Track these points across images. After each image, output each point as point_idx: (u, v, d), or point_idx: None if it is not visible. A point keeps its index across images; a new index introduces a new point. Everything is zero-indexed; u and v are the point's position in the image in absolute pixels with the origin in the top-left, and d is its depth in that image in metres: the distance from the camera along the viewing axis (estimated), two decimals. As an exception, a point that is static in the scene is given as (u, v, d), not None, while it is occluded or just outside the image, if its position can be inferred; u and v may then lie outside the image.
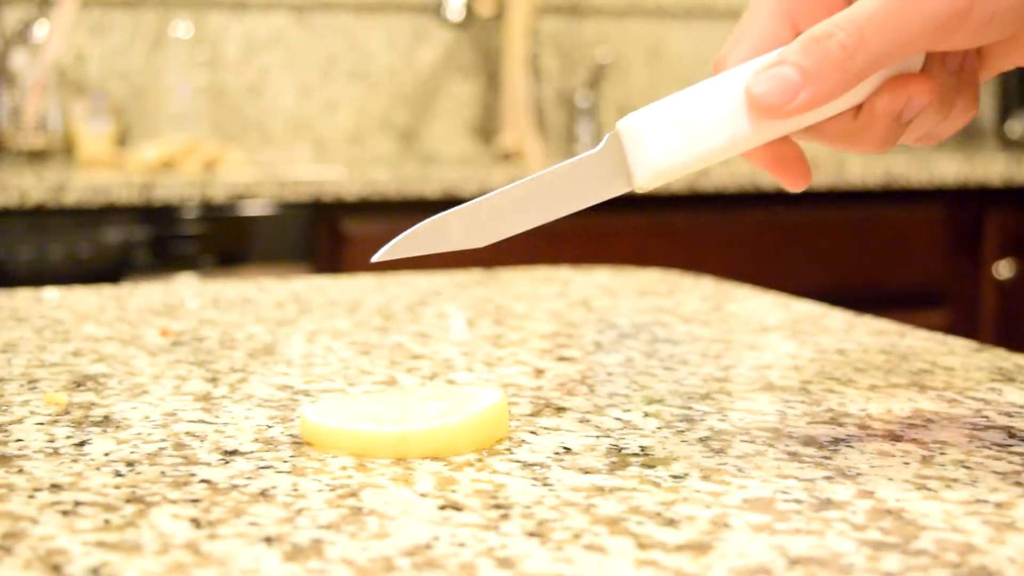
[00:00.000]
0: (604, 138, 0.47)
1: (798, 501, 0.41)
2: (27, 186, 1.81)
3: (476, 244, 0.47)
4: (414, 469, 0.44)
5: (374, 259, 0.49)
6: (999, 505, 0.40)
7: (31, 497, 0.41)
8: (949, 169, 2.22)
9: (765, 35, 0.49)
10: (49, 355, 0.64)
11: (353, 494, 0.41)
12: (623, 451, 0.47)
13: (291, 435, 0.49)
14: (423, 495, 0.41)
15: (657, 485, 0.42)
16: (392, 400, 0.50)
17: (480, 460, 0.45)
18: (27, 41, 2.20)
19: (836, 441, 0.48)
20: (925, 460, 0.45)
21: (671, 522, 0.38)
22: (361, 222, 1.98)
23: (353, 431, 0.46)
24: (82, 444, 0.47)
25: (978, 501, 0.41)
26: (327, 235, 1.97)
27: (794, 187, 0.51)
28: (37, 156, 2.20)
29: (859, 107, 0.48)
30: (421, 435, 0.46)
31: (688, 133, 0.46)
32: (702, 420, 0.51)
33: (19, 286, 0.91)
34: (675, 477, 0.43)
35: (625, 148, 0.47)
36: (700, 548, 0.36)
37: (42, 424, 0.50)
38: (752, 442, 0.48)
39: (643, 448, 0.47)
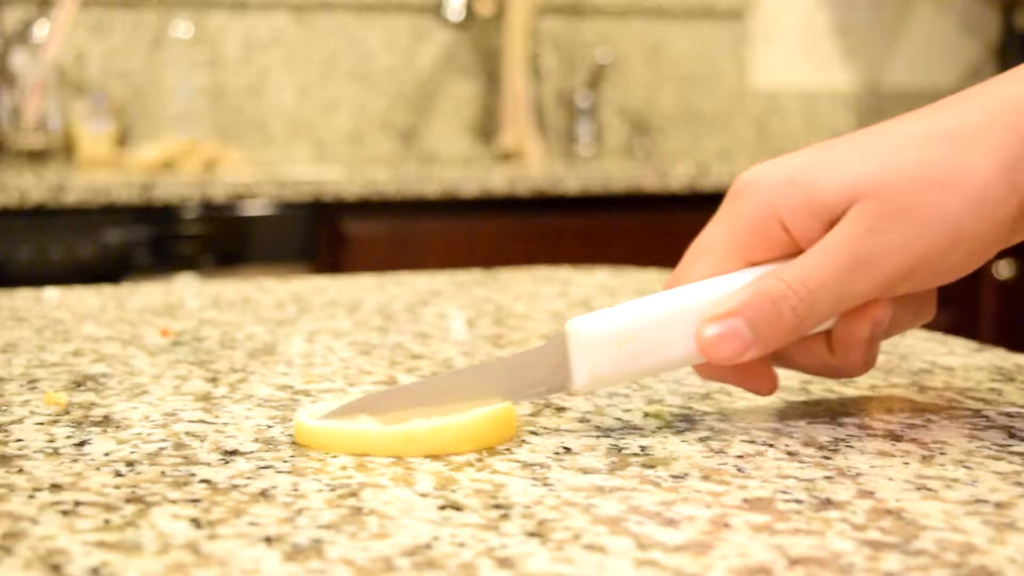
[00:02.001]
0: (551, 336, 0.49)
1: (798, 501, 0.40)
2: (27, 186, 1.81)
3: (395, 425, 0.47)
4: (414, 469, 0.44)
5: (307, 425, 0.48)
6: (999, 505, 0.40)
7: (31, 497, 0.41)
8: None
9: (717, 267, 0.49)
10: (49, 355, 0.64)
11: (353, 494, 0.41)
12: (623, 451, 0.47)
13: (291, 435, 0.49)
14: (423, 495, 0.41)
15: (657, 485, 0.42)
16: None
17: (480, 460, 0.45)
18: (27, 41, 2.20)
19: (836, 441, 0.48)
20: (925, 460, 0.45)
21: (671, 522, 0.38)
22: (361, 222, 1.98)
23: (355, 431, 0.46)
24: (82, 444, 0.47)
25: (978, 501, 0.41)
26: (327, 235, 1.97)
27: (762, 394, 0.51)
28: (37, 156, 2.20)
29: (831, 344, 0.49)
30: (426, 433, 0.46)
31: (633, 348, 0.48)
32: (702, 420, 0.51)
33: (19, 286, 0.91)
34: (675, 477, 0.43)
35: (570, 351, 0.48)
36: (700, 548, 0.36)
37: (42, 424, 0.50)
38: (752, 442, 0.48)
39: (643, 448, 0.47)
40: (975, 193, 0.45)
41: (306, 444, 0.47)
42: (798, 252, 0.48)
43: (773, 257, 0.49)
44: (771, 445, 0.47)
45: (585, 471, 0.44)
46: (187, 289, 0.92)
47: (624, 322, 0.48)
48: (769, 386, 0.51)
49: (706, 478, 0.43)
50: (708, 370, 0.50)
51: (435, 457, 0.46)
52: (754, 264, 0.49)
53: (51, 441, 0.48)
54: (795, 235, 0.48)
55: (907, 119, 0.48)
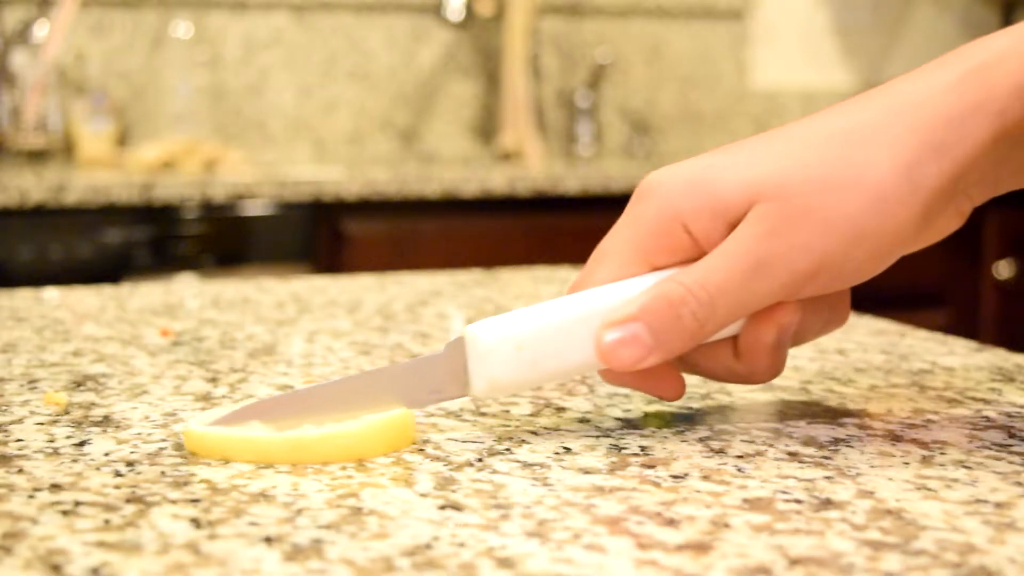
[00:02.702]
0: (447, 342, 0.48)
1: (798, 501, 0.41)
2: (27, 186, 1.81)
3: (290, 430, 0.46)
4: (414, 469, 0.44)
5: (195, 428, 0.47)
6: (999, 505, 0.40)
7: (31, 497, 0.41)
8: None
9: (620, 271, 0.49)
10: (49, 355, 0.64)
11: (353, 494, 0.41)
12: (623, 451, 0.47)
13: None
14: (423, 495, 0.41)
15: (657, 485, 0.42)
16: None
17: (480, 460, 0.45)
18: (27, 41, 2.20)
19: (836, 441, 0.48)
20: (925, 460, 0.45)
21: (671, 522, 0.38)
22: (361, 222, 1.98)
23: (244, 437, 0.45)
24: (82, 444, 0.47)
25: (978, 501, 0.41)
26: (327, 235, 1.97)
27: (668, 399, 0.50)
28: (37, 156, 2.20)
29: (737, 349, 0.48)
30: (316, 440, 0.45)
31: (532, 354, 0.47)
32: (702, 420, 0.51)
33: (19, 286, 0.91)
34: (675, 477, 0.43)
35: (467, 356, 0.47)
36: (700, 548, 0.36)
37: (42, 424, 0.50)
38: (752, 442, 0.48)
39: (643, 448, 0.47)
40: (875, 192, 0.45)
41: (196, 451, 0.46)
42: (702, 255, 0.47)
43: (677, 261, 0.48)
44: (771, 445, 0.47)
45: (585, 471, 0.44)
46: (187, 289, 0.92)
47: (522, 327, 0.47)
48: (675, 391, 0.50)
49: (706, 478, 0.43)
50: (612, 375, 0.49)
51: (434, 458, 0.46)
52: (657, 268, 0.49)
53: (51, 441, 0.48)
54: (698, 237, 0.47)
55: (810, 120, 0.48)
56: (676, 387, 0.50)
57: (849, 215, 0.45)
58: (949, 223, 0.49)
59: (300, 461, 0.44)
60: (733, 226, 0.47)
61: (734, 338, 0.49)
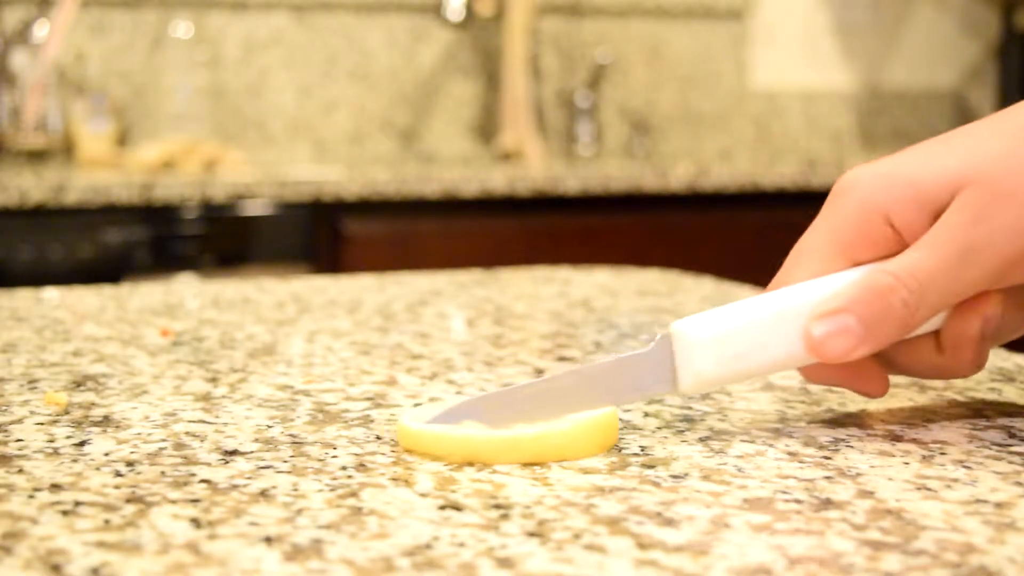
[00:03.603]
0: (655, 337, 0.48)
1: (798, 501, 0.40)
2: (27, 186, 1.81)
3: (496, 426, 0.46)
4: (414, 469, 0.44)
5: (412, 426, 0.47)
6: (999, 505, 0.40)
7: (31, 497, 0.41)
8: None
9: (821, 268, 0.49)
10: (49, 355, 0.64)
11: (353, 494, 0.41)
12: (623, 451, 0.47)
13: (291, 435, 0.49)
14: (423, 495, 0.41)
15: (657, 485, 0.42)
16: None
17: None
18: (27, 41, 2.20)
19: (836, 441, 0.48)
20: (925, 460, 0.45)
21: (671, 522, 0.38)
22: (361, 222, 1.98)
23: (461, 436, 0.45)
24: (82, 444, 0.47)
25: (978, 501, 0.41)
26: (327, 235, 1.97)
27: (874, 395, 0.50)
28: (37, 156, 2.20)
29: (940, 343, 0.48)
30: (532, 440, 0.45)
31: (737, 349, 0.47)
32: (702, 420, 0.51)
33: (19, 286, 0.91)
34: (675, 477, 0.43)
35: (675, 353, 0.48)
36: (700, 548, 0.36)
37: (42, 424, 0.50)
38: (752, 442, 0.48)
39: (643, 448, 0.47)
40: None
41: (410, 448, 0.46)
42: (904, 248, 0.47)
43: (878, 255, 0.48)
44: (771, 445, 0.47)
45: (585, 471, 0.44)
46: (187, 289, 0.92)
47: (728, 323, 0.47)
48: (880, 387, 0.50)
49: (706, 478, 0.43)
50: (816, 372, 0.49)
51: (435, 457, 0.46)
52: (858, 264, 0.48)
53: (51, 441, 0.48)
54: (900, 229, 0.47)
55: (1006, 112, 0.48)
56: (881, 383, 0.50)
57: None
58: None
59: (514, 461, 0.44)
60: (937, 216, 0.46)
61: (936, 333, 0.49)
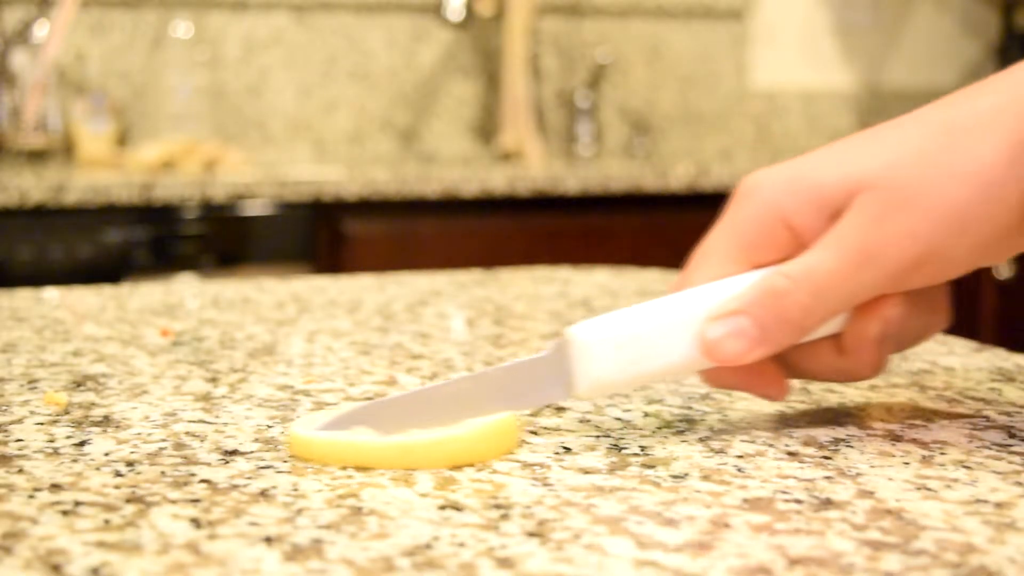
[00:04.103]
0: (551, 343, 0.48)
1: (798, 501, 0.40)
2: (27, 186, 1.81)
3: (392, 435, 0.45)
4: (414, 469, 0.44)
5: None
6: (999, 505, 0.40)
7: (31, 497, 0.41)
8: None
9: (722, 270, 0.48)
10: (49, 355, 0.64)
11: (353, 494, 0.41)
12: (623, 451, 0.47)
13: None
14: (423, 495, 0.41)
15: (657, 485, 0.42)
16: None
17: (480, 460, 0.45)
18: (27, 41, 2.20)
19: (836, 441, 0.48)
20: (925, 460, 0.45)
21: (671, 522, 0.38)
22: (361, 222, 1.98)
23: (352, 443, 0.45)
24: (82, 444, 0.47)
25: (978, 501, 0.41)
26: (327, 235, 1.97)
27: (773, 399, 0.50)
28: (37, 156, 2.20)
29: (841, 346, 0.48)
30: (425, 446, 0.44)
31: (633, 353, 0.47)
32: (702, 420, 0.51)
33: (19, 286, 0.91)
34: (675, 477, 0.43)
35: (572, 357, 0.47)
36: (700, 548, 0.36)
37: (42, 424, 0.50)
38: (752, 442, 0.48)
39: (643, 448, 0.47)
40: (981, 179, 0.45)
41: (301, 456, 0.45)
42: (803, 252, 0.47)
43: (780, 258, 0.48)
44: (771, 445, 0.47)
45: (585, 471, 0.44)
46: (187, 289, 0.92)
47: (625, 326, 0.47)
48: (780, 390, 0.49)
49: (706, 478, 0.43)
50: (715, 375, 0.49)
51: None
52: (760, 266, 0.48)
53: (51, 441, 0.48)
54: (801, 232, 0.47)
55: (913, 114, 0.48)
56: (781, 387, 0.49)
57: (954, 201, 0.45)
58: None
59: (408, 467, 0.44)
60: (836, 219, 0.46)
61: (836, 336, 0.48)
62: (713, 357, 0.47)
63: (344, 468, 0.44)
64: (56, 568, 0.34)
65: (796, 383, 0.58)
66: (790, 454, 0.46)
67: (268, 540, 0.37)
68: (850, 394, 0.56)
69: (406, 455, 0.44)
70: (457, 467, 0.44)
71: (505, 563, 0.35)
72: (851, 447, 0.47)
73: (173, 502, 0.40)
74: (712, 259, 0.49)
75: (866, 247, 0.45)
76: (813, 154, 0.48)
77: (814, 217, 0.47)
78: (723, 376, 0.49)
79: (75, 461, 0.45)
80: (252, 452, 0.46)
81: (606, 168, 2.27)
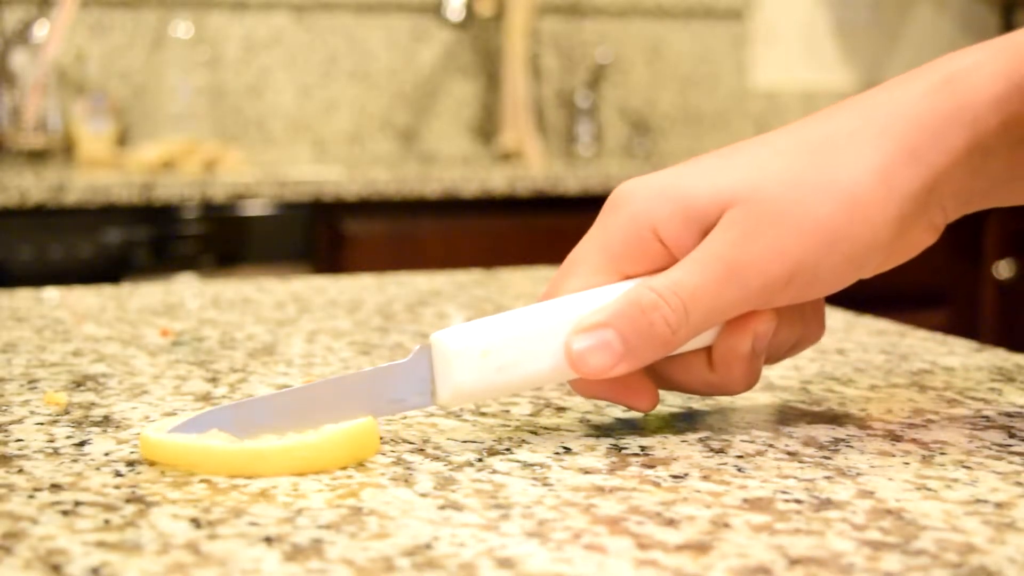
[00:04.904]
0: (414, 349, 0.47)
1: (798, 501, 0.41)
2: (27, 186, 1.81)
3: (244, 437, 0.44)
4: (414, 469, 0.44)
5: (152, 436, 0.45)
6: (999, 505, 0.40)
7: (31, 497, 0.41)
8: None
9: (591, 280, 0.48)
10: (49, 355, 0.64)
11: (353, 494, 0.41)
12: (623, 451, 0.47)
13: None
14: (423, 495, 0.41)
15: (657, 485, 0.42)
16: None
17: (480, 460, 0.45)
18: (27, 41, 2.20)
19: (836, 441, 0.48)
20: (925, 460, 0.45)
21: (671, 522, 0.38)
22: (361, 222, 1.98)
23: (202, 447, 0.43)
24: (82, 444, 0.47)
25: (978, 501, 0.41)
26: (327, 235, 1.97)
27: (641, 410, 0.50)
28: (37, 156, 2.20)
29: (711, 360, 0.48)
30: (278, 451, 0.43)
31: (498, 361, 0.46)
32: (702, 420, 0.51)
33: (19, 286, 0.91)
34: (675, 477, 0.43)
35: (434, 364, 0.47)
36: (700, 548, 0.36)
37: (42, 424, 0.50)
38: (752, 442, 0.48)
39: (643, 448, 0.47)
40: (849, 195, 0.45)
41: (152, 459, 0.44)
42: (672, 264, 0.47)
43: (648, 269, 0.47)
44: (771, 445, 0.47)
45: (585, 471, 0.44)
46: (187, 289, 0.92)
47: (489, 334, 0.46)
48: (648, 402, 0.49)
49: (706, 478, 0.43)
50: (583, 386, 0.48)
51: (434, 458, 0.46)
52: (629, 277, 0.48)
53: (51, 441, 0.48)
54: (669, 245, 0.47)
55: (784, 129, 0.48)
56: (649, 398, 0.49)
57: (823, 218, 0.45)
58: (923, 236, 0.48)
59: (258, 474, 0.43)
60: (705, 233, 0.46)
61: (707, 349, 0.48)
62: (578, 370, 0.46)
63: (344, 468, 0.44)
64: (56, 568, 0.34)
65: (796, 383, 0.58)
66: (790, 454, 0.46)
67: (268, 540, 0.37)
68: (850, 394, 0.56)
69: (255, 461, 0.43)
70: (314, 473, 0.43)
71: (505, 563, 0.35)
72: (851, 447, 0.47)
73: (173, 502, 0.40)
74: (582, 268, 0.48)
75: (734, 263, 0.45)
76: (685, 165, 0.48)
77: (684, 230, 0.46)
78: (590, 387, 0.48)
79: (75, 461, 0.45)
80: (252, 452, 0.46)
81: (606, 168, 2.27)
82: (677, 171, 0.48)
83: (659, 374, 0.49)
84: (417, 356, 0.47)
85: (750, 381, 0.48)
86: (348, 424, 0.45)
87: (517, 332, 0.46)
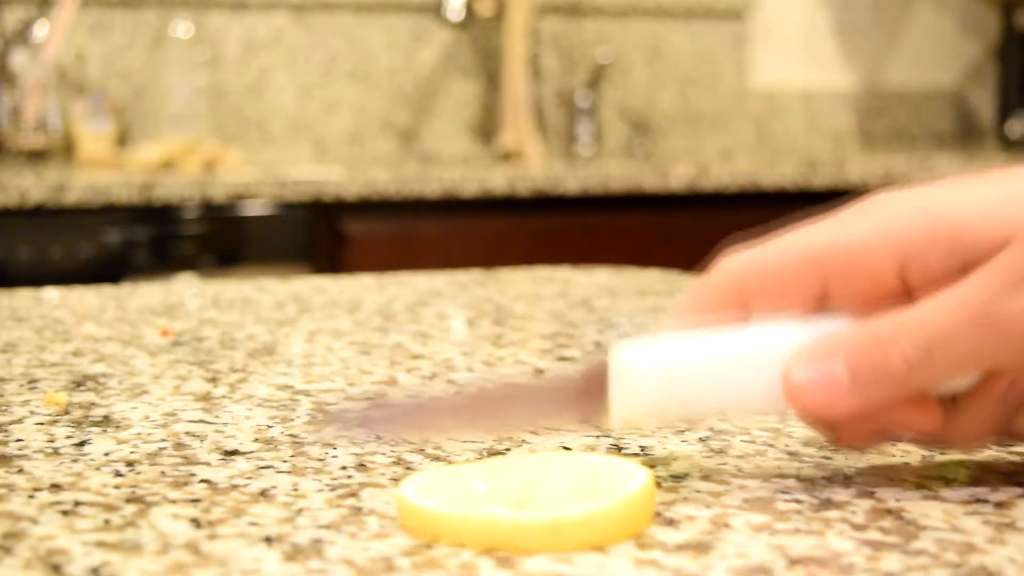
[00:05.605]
0: (589, 361, 0.43)
1: (798, 501, 0.40)
2: (27, 186, 1.81)
3: (414, 440, 0.42)
4: (414, 469, 0.44)
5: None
6: (999, 505, 0.40)
7: (31, 497, 0.41)
8: (949, 169, 2.22)
9: (788, 281, 0.42)
10: (49, 355, 0.64)
11: (353, 494, 0.41)
12: (623, 451, 0.47)
13: (291, 435, 0.49)
14: (423, 495, 0.41)
15: (657, 485, 0.42)
16: (502, 472, 0.40)
17: (480, 460, 0.45)
18: (27, 41, 2.20)
19: (836, 441, 0.48)
20: (925, 460, 0.45)
21: (671, 522, 0.38)
22: (361, 222, 1.98)
23: (489, 518, 0.36)
24: (82, 444, 0.47)
25: (978, 501, 0.41)
26: (327, 235, 1.97)
27: (858, 451, 0.44)
28: (37, 156, 2.20)
29: (947, 407, 0.41)
30: (576, 521, 0.36)
31: (685, 388, 0.41)
32: (702, 420, 0.51)
33: (19, 286, 0.90)
34: (675, 477, 0.43)
35: (611, 383, 0.42)
36: (700, 548, 0.36)
37: (42, 424, 0.50)
38: (752, 442, 0.48)
39: (643, 448, 0.47)
40: None
41: (412, 528, 0.37)
42: (889, 300, 0.40)
43: (849, 296, 0.41)
44: (771, 445, 0.47)
45: (585, 471, 0.44)
46: (187, 289, 0.92)
47: (679, 356, 0.41)
48: (868, 442, 0.43)
49: (706, 478, 0.43)
50: (849, 434, 0.42)
51: (434, 458, 0.45)
52: (823, 303, 0.41)
53: (51, 441, 0.48)
54: (915, 271, 0.40)
55: None
56: (870, 438, 0.42)
57: None
58: None
59: (553, 550, 0.36)
60: (965, 269, 0.39)
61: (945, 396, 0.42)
62: (796, 403, 0.40)
63: (344, 468, 0.44)
64: (56, 568, 0.34)
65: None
66: (790, 454, 0.46)
67: (268, 540, 0.37)
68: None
69: (553, 535, 0.36)
70: (603, 546, 0.36)
71: (505, 563, 0.35)
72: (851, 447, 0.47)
73: (173, 502, 0.40)
74: (778, 271, 0.42)
75: (995, 313, 0.39)
76: (949, 185, 0.41)
77: (944, 260, 0.40)
78: (855, 432, 0.42)
79: (75, 461, 0.45)
80: (252, 452, 0.46)
81: (606, 168, 2.27)
82: (942, 191, 0.41)
83: (875, 415, 0.42)
84: (593, 371, 0.42)
85: (986, 437, 0.42)
86: (635, 487, 0.38)
87: (711, 356, 0.41)
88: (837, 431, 0.42)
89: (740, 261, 0.43)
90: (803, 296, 0.41)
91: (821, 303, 0.42)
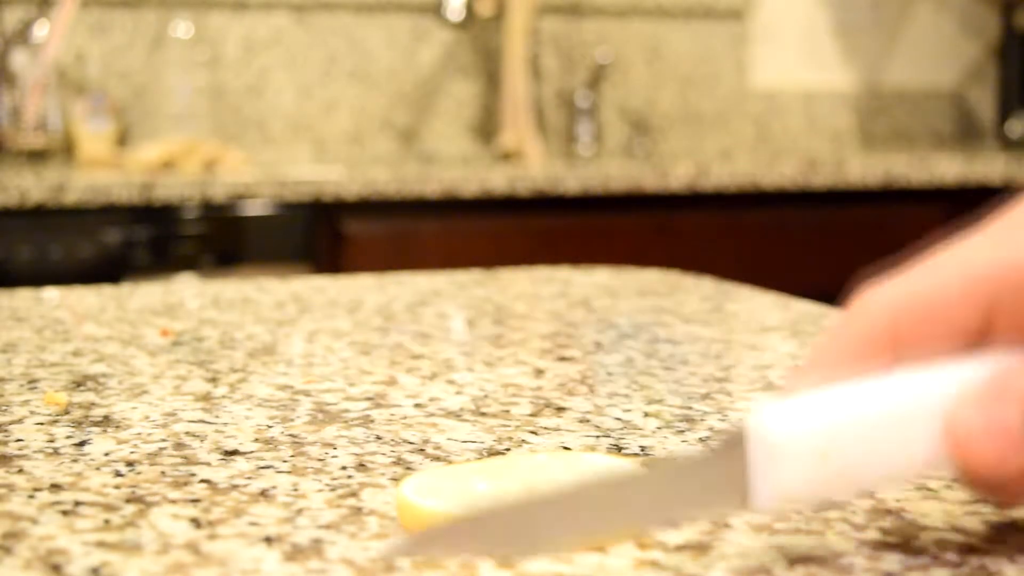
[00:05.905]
0: (722, 437, 0.35)
1: (798, 501, 0.40)
2: (27, 186, 1.81)
3: (528, 553, 0.35)
4: (414, 469, 0.44)
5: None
6: (999, 505, 0.40)
7: (31, 497, 0.41)
8: (949, 169, 2.22)
9: (952, 318, 0.35)
10: (49, 355, 0.64)
11: (353, 494, 0.41)
12: (623, 451, 0.47)
13: (291, 435, 0.49)
14: (423, 495, 0.41)
15: (657, 485, 0.42)
16: (503, 473, 0.39)
17: (479, 459, 0.45)
18: (27, 41, 2.20)
19: (836, 441, 0.48)
20: (925, 460, 0.45)
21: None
22: (361, 222, 1.98)
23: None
24: (82, 444, 0.47)
25: (978, 501, 0.41)
26: (327, 235, 1.97)
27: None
28: (37, 156, 2.20)
29: None
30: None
31: (842, 462, 0.34)
32: (702, 420, 0.51)
33: (19, 286, 0.90)
34: (675, 477, 0.43)
35: (748, 459, 0.34)
36: (700, 548, 0.36)
37: (42, 424, 0.50)
38: (752, 442, 0.48)
39: (643, 448, 0.47)
40: None
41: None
42: (970, 346, 0.34)
43: (928, 345, 0.35)
44: (771, 445, 0.47)
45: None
46: (187, 289, 0.92)
47: (830, 423, 0.34)
48: None
49: (706, 478, 0.43)
50: (982, 482, 0.34)
51: (434, 458, 0.45)
52: (982, 332, 0.35)
53: (51, 441, 0.48)
54: None
55: None
56: None
57: None
58: None
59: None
60: None
61: None
62: (960, 457, 0.33)
63: (344, 468, 0.44)
64: (56, 568, 0.34)
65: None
66: (790, 454, 0.46)
67: (268, 540, 0.37)
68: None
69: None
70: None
71: (505, 563, 0.35)
72: (851, 447, 0.47)
73: (173, 502, 0.40)
74: (938, 306, 0.35)
75: None
76: None
77: None
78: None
79: (75, 461, 0.45)
80: (252, 452, 0.46)
81: (606, 168, 2.27)
82: None
83: None
84: (728, 447, 0.34)
85: None
86: None
87: (865, 420, 0.34)
88: (1007, 490, 0.34)
89: (889, 297, 0.36)
90: (963, 332, 0.35)
91: (982, 338, 0.35)
